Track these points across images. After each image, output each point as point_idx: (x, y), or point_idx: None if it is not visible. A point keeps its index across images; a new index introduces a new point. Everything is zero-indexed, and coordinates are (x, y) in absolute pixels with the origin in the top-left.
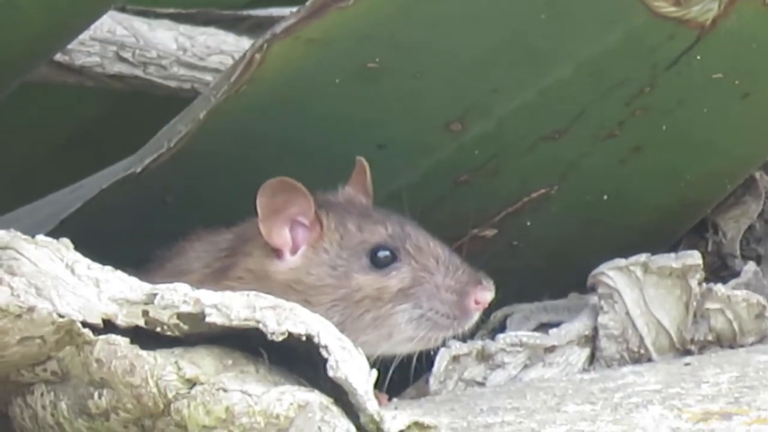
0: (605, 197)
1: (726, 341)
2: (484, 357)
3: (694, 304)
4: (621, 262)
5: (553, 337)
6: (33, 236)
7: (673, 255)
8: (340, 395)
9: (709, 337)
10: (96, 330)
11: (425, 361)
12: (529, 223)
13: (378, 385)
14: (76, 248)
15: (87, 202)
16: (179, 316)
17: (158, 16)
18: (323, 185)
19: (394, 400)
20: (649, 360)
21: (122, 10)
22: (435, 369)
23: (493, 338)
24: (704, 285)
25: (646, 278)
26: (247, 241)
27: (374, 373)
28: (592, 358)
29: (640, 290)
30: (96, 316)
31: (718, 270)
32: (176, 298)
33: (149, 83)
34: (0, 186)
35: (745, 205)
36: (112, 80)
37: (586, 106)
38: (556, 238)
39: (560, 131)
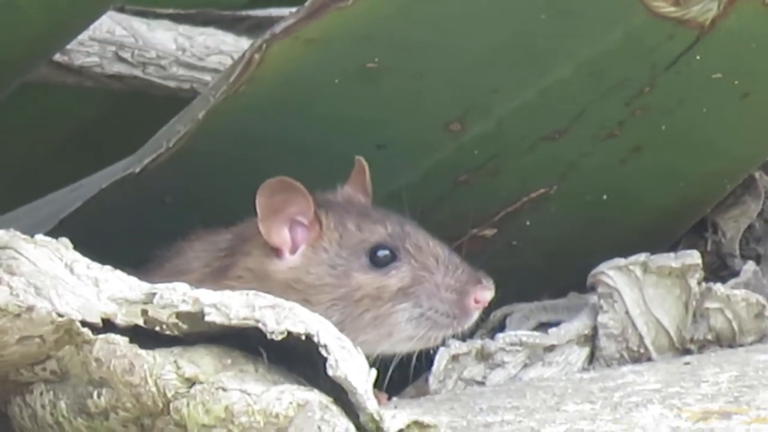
0: (605, 197)
1: (725, 340)
2: (483, 356)
3: (694, 303)
4: (621, 261)
5: (553, 336)
6: (32, 236)
7: (672, 254)
8: (340, 394)
9: (709, 337)
10: (95, 329)
11: (425, 360)
12: (528, 223)
13: (377, 384)
14: (76, 248)
15: (86, 201)
16: (178, 315)
17: (157, 16)
18: (323, 185)
19: (394, 399)
20: (649, 359)
21: (121, 10)
22: (434, 368)
23: (492, 337)
24: (704, 284)
25: (646, 278)
26: (247, 240)
27: (374, 372)
28: (592, 358)
29: (639, 290)
30: (95, 316)
31: (718, 269)
32: (175, 297)
33: (148, 83)
34: (0, 186)
35: (744, 205)
36: (112, 80)
37: (586, 106)
38: (556, 238)
39: (560, 131)
